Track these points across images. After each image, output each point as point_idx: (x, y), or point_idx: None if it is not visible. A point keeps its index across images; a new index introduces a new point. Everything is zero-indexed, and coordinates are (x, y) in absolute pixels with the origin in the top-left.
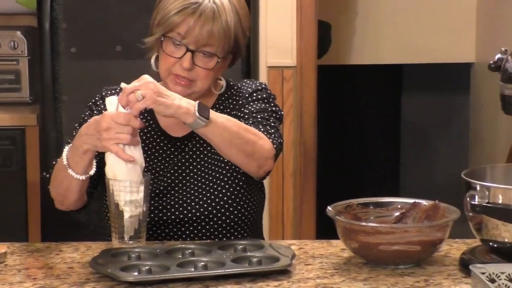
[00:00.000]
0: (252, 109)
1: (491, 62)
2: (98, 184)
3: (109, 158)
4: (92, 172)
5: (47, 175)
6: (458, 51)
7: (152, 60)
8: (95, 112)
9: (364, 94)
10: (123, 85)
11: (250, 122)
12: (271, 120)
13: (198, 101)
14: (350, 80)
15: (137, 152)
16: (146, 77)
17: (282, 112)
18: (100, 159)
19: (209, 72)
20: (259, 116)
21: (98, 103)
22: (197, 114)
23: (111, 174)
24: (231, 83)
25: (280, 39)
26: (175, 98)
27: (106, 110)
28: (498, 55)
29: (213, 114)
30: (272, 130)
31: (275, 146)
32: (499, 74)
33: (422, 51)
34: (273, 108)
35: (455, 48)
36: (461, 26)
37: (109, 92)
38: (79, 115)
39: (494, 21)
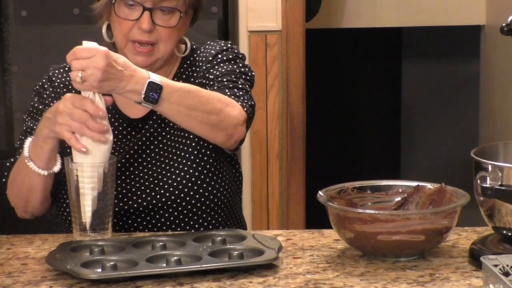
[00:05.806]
0: (218, 73)
1: (504, 24)
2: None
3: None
4: (56, 168)
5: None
6: (466, 12)
7: (104, 30)
8: (45, 96)
9: (359, 62)
10: (84, 42)
11: (216, 87)
12: (239, 82)
13: (149, 80)
14: (343, 46)
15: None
16: (98, 52)
17: (253, 73)
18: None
19: (172, 31)
20: (225, 80)
21: (46, 86)
22: (143, 98)
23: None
24: (194, 47)
25: (263, 0)
26: (123, 78)
27: (55, 93)
28: None
29: (168, 88)
30: (241, 93)
31: (245, 109)
32: None
33: (425, 12)
34: (242, 69)
35: (462, 9)
36: None
37: (56, 71)
38: (31, 88)
39: None
